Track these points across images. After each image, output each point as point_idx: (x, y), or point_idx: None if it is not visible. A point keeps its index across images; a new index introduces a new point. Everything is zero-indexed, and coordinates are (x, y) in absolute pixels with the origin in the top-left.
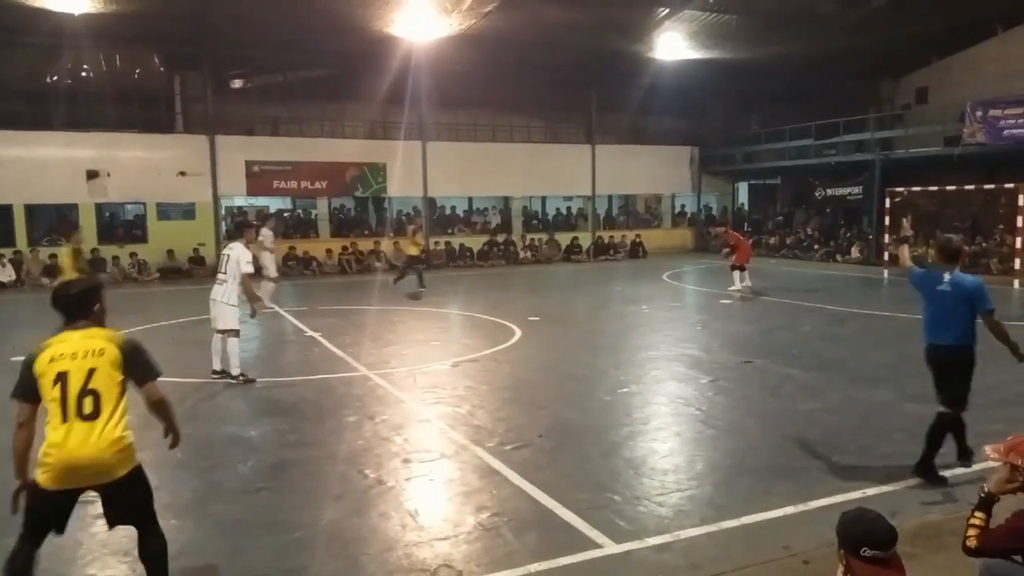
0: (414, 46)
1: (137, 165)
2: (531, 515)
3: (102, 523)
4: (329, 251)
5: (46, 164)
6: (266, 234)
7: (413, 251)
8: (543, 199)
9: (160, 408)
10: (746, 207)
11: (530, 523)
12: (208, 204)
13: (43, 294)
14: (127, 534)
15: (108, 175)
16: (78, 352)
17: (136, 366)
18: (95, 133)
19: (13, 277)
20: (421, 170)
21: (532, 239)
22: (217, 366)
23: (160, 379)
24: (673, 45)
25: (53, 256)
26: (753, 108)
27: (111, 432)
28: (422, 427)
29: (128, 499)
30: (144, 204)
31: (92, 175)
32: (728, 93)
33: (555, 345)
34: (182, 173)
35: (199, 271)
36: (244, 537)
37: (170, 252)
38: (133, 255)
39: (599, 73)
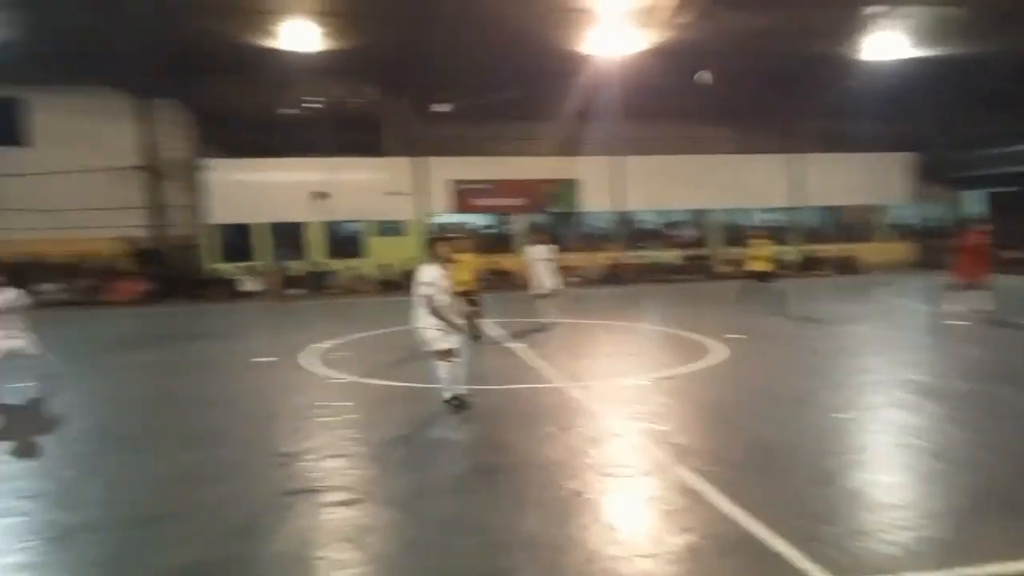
0: (606, 62)
1: (354, 186)
2: (738, 540)
3: (333, 510)
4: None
5: (280, 187)
6: (536, 249)
7: (759, 266)
8: (742, 212)
9: None
10: (981, 217)
11: (737, 548)
12: (415, 222)
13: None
14: (356, 520)
15: (330, 196)
16: None
17: None
18: (318, 158)
19: (260, 287)
20: (615, 184)
21: (731, 253)
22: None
23: (378, 382)
24: (885, 44)
25: (286, 268)
26: (985, 108)
27: None
28: (620, 442)
29: None
30: (361, 222)
31: (317, 196)
32: (950, 93)
33: (759, 364)
34: (391, 193)
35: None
36: (456, 535)
37: (385, 266)
38: (353, 269)
39: (797, 79)
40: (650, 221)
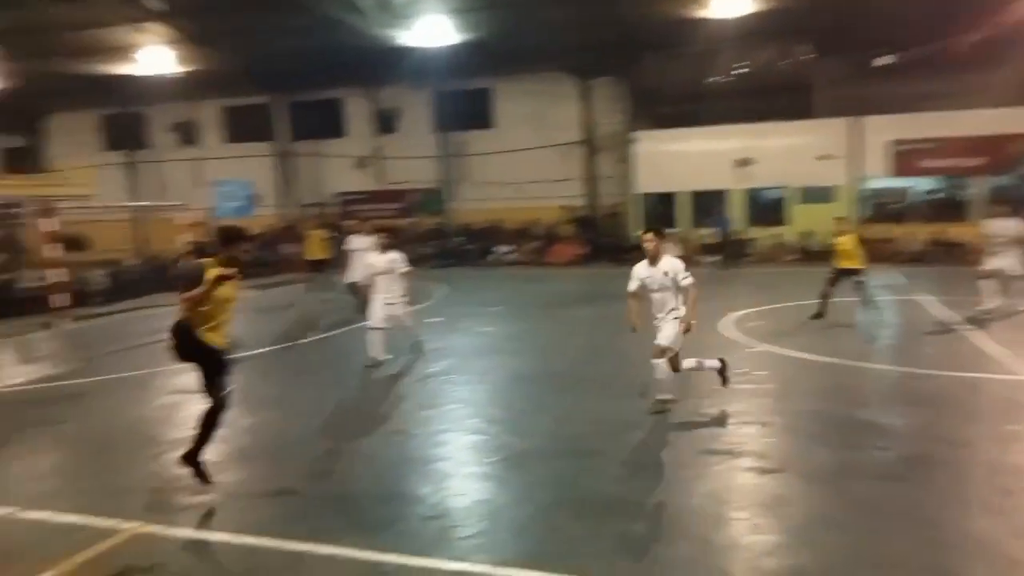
0: None
1: (779, 152)
2: None
3: (751, 475)
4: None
5: (703, 156)
6: (998, 225)
7: None
8: None
9: None
10: None
11: None
12: (846, 187)
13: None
14: (773, 489)
15: (754, 162)
16: None
17: None
18: (742, 125)
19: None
20: None
21: None
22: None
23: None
24: None
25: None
26: None
27: None
28: None
29: None
30: (784, 188)
31: (740, 163)
32: None
33: None
34: (821, 157)
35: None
36: (883, 521)
37: (807, 234)
38: (775, 236)
39: None
40: None
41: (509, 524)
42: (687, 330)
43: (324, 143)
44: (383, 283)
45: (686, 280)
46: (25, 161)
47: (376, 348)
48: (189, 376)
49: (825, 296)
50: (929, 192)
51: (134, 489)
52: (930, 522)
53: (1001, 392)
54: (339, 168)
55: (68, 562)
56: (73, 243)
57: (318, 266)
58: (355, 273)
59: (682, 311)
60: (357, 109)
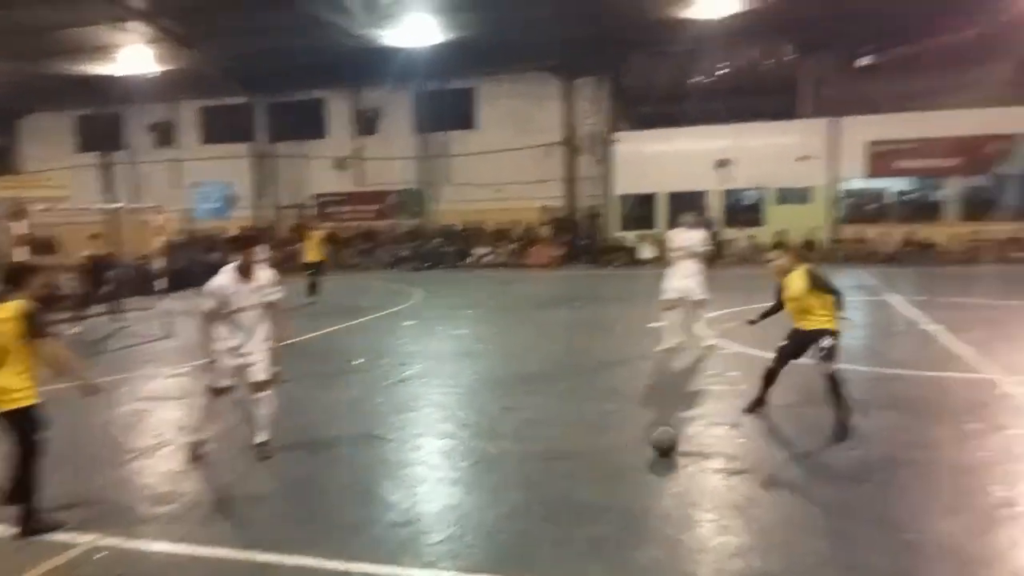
0: None
1: (760, 152)
2: None
3: (720, 477)
4: (956, 236)
5: (683, 157)
6: None
7: None
8: None
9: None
10: None
11: None
12: (823, 188)
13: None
14: (742, 490)
15: (734, 163)
16: None
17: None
18: (725, 126)
19: (655, 254)
20: None
21: None
22: None
23: (767, 355)
24: None
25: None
26: None
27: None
28: None
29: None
30: (763, 189)
31: (720, 164)
32: None
33: None
34: (802, 158)
35: (811, 256)
36: (850, 523)
37: (780, 233)
38: (751, 238)
39: None
40: None
41: (478, 529)
42: None
43: (304, 144)
44: (248, 321)
45: None
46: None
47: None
48: (158, 383)
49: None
50: (903, 193)
51: (92, 500)
52: (895, 524)
53: (965, 392)
54: (319, 169)
55: None
56: (44, 246)
57: (315, 267)
58: None
59: None
60: (338, 109)
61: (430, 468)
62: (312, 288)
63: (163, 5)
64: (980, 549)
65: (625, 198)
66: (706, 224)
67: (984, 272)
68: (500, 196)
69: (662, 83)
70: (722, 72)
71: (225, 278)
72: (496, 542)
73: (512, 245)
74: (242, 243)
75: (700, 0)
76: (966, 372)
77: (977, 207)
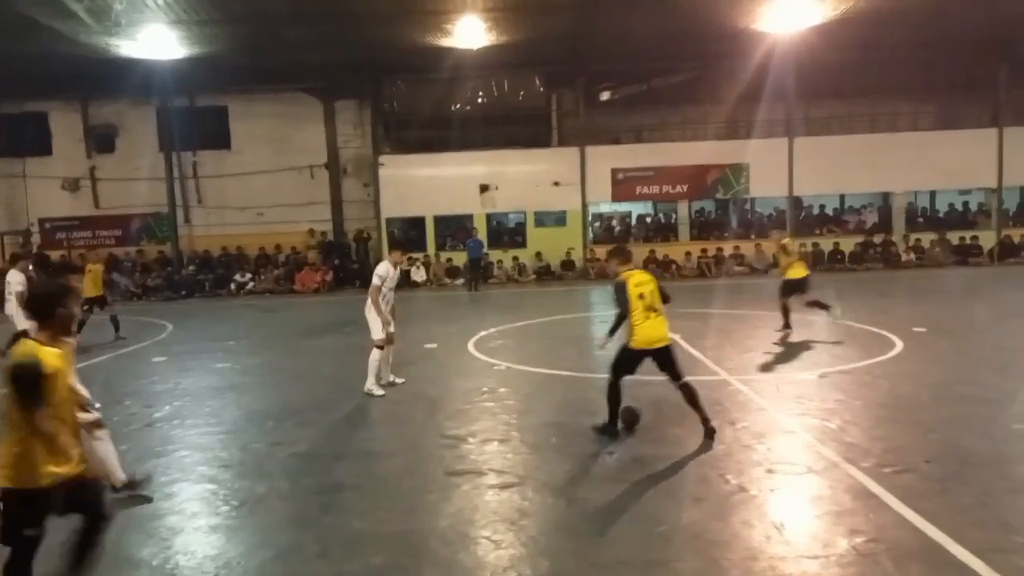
0: (779, 39)
1: (519, 178)
2: (915, 547)
3: (493, 492)
4: (688, 254)
5: (448, 181)
6: None
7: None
8: (931, 194)
9: None
10: None
11: (913, 555)
12: (577, 212)
13: (447, 292)
14: (515, 503)
15: (496, 188)
16: None
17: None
18: (486, 152)
19: (425, 277)
20: (787, 168)
21: (916, 239)
22: None
23: (534, 370)
24: None
25: (450, 259)
26: None
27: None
28: (787, 438)
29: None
30: (524, 213)
31: (484, 189)
32: None
33: (946, 360)
34: (556, 183)
35: (568, 274)
36: (609, 524)
37: (539, 255)
38: (515, 259)
39: (1011, 43)
40: (827, 206)
41: None
42: None
43: (25, 161)
44: None
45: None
46: None
47: None
48: None
49: None
50: (643, 216)
51: None
52: (650, 517)
53: (704, 392)
54: (45, 190)
55: None
56: None
57: (95, 303)
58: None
59: None
60: (66, 124)
61: (186, 517)
62: (81, 326)
63: None
64: (719, 533)
65: (393, 221)
66: (472, 247)
67: (713, 285)
68: (262, 220)
69: (425, 109)
70: (482, 101)
71: None
72: None
73: (277, 271)
74: None
75: (457, 30)
76: (704, 375)
77: (704, 227)
